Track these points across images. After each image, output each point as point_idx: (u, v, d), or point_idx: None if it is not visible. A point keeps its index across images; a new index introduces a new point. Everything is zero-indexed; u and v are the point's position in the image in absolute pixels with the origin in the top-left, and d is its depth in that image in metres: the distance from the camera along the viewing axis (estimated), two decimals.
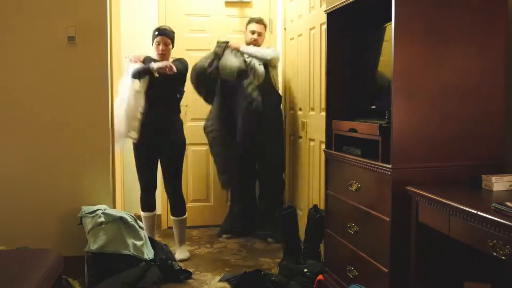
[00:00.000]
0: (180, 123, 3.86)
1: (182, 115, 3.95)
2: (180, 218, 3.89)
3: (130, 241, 3.18)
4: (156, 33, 3.76)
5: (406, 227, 2.19)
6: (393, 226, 2.24)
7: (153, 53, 3.82)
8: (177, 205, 3.90)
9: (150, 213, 3.93)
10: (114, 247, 3.11)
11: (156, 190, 4.00)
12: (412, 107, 2.22)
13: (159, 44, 3.74)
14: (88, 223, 3.16)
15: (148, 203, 3.92)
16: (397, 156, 2.22)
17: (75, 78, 3.34)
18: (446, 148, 2.27)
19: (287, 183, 4.59)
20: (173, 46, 3.84)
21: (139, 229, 3.29)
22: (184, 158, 4.61)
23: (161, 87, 3.68)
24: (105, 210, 3.24)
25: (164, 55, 3.75)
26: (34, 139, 3.33)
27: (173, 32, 3.83)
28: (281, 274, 3.27)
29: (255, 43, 4.20)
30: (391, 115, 2.22)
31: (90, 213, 3.20)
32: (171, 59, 3.79)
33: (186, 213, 3.95)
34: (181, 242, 3.91)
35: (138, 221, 3.34)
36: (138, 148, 3.81)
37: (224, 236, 4.38)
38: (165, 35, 3.75)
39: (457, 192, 2.06)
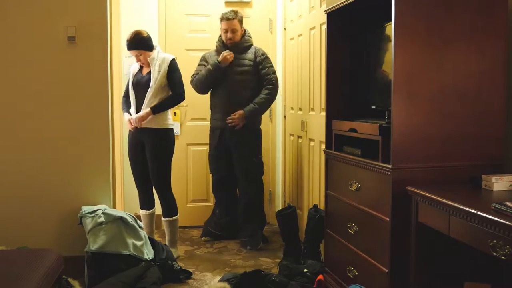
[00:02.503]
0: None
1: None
2: (168, 219, 3.82)
3: (130, 241, 3.18)
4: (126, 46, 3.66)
5: (406, 227, 2.19)
6: (393, 226, 2.24)
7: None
8: (164, 205, 3.82)
9: (146, 211, 3.90)
10: (114, 247, 3.11)
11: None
12: (412, 107, 2.22)
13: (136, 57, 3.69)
14: (88, 223, 3.16)
15: (142, 200, 3.92)
16: (397, 156, 2.22)
17: (75, 78, 3.34)
18: (446, 148, 2.27)
19: (288, 183, 4.59)
20: (150, 48, 3.67)
21: (139, 229, 3.29)
22: (184, 158, 4.63)
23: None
24: (105, 210, 3.24)
25: (144, 64, 3.72)
26: (34, 139, 3.33)
27: (141, 38, 3.62)
28: (281, 274, 3.27)
29: (231, 42, 4.03)
30: (391, 115, 2.22)
31: (90, 213, 3.20)
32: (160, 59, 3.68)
33: (177, 215, 3.85)
34: (172, 244, 3.83)
35: (138, 221, 3.34)
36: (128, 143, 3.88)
37: (203, 238, 4.31)
38: (134, 50, 3.64)
39: (457, 192, 2.06)
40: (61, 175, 3.36)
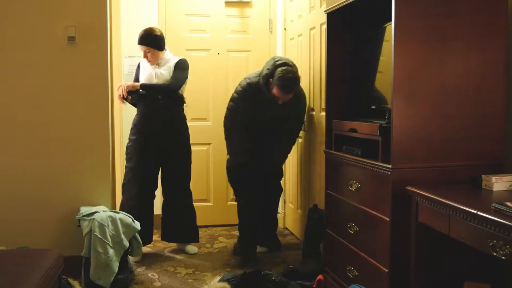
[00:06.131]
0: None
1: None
2: None
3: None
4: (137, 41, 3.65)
5: (406, 227, 2.19)
6: (393, 226, 2.24)
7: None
8: None
9: None
10: None
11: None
12: (412, 107, 2.23)
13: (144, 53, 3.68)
14: (85, 227, 3.12)
15: None
16: (397, 156, 2.22)
17: (75, 78, 3.34)
18: (446, 148, 2.27)
19: (288, 183, 4.59)
20: (160, 47, 3.69)
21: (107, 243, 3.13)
22: None
23: None
24: (105, 211, 3.21)
25: (151, 61, 3.71)
26: (34, 139, 3.33)
27: (154, 36, 3.64)
28: (281, 274, 3.27)
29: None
30: (391, 115, 2.22)
31: (87, 215, 3.17)
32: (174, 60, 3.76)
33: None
34: None
35: (134, 221, 3.30)
36: None
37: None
38: (144, 45, 3.64)
39: (457, 192, 2.06)
40: (61, 175, 3.36)
